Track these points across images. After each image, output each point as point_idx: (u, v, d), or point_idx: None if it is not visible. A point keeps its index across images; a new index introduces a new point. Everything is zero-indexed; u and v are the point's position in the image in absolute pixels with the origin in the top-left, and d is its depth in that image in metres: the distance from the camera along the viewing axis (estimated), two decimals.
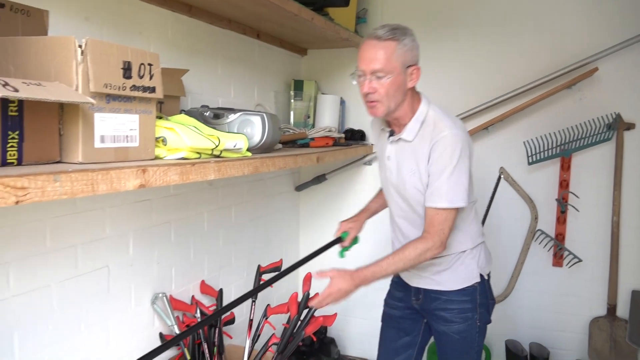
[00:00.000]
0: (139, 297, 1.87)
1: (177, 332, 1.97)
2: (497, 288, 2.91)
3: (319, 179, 3.15)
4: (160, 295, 1.96)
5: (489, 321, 1.87)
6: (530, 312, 2.88)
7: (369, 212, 2.12)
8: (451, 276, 1.81)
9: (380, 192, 2.08)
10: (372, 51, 1.64)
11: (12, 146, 1.07)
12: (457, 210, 1.69)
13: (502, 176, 2.77)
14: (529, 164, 2.71)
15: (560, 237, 2.77)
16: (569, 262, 2.76)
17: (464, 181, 1.66)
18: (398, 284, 1.98)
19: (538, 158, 2.72)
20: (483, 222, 2.77)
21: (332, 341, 3.11)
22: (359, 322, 3.21)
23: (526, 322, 2.89)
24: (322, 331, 3.11)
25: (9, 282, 1.39)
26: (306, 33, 2.63)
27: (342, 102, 3.07)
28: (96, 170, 1.11)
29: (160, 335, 1.99)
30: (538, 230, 2.81)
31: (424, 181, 1.70)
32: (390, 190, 1.86)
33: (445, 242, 1.68)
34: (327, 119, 2.95)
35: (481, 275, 1.84)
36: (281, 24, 2.41)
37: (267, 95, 2.75)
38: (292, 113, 2.92)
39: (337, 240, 1.87)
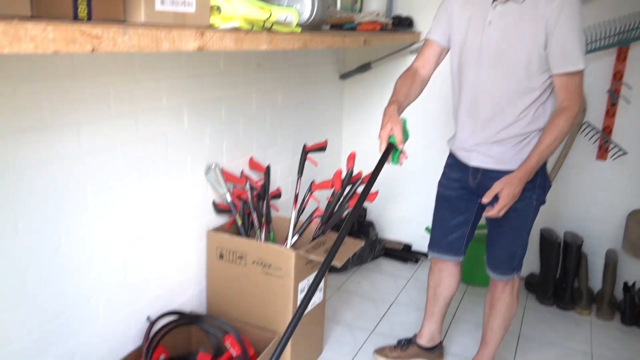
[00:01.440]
0: (193, 166, 2.01)
1: (229, 200, 2.13)
2: None
3: (364, 67, 3.14)
4: (213, 166, 2.10)
5: (544, 202, 1.90)
6: (568, 203, 2.93)
7: (397, 103, 1.77)
8: (517, 155, 1.81)
9: (404, 80, 1.88)
10: None
11: (82, 2, 1.14)
12: None
13: None
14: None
15: (607, 130, 2.74)
16: (614, 154, 2.75)
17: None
18: (454, 166, 2.01)
19: (594, 47, 2.62)
20: None
21: (370, 224, 3.27)
22: (397, 208, 3.34)
23: (563, 212, 2.95)
24: (361, 214, 3.28)
25: (79, 140, 1.52)
26: None
27: None
28: (160, 28, 1.18)
29: (213, 203, 2.16)
30: (585, 122, 2.78)
31: (539, 44, 1.66)
32: (484, 67, 1.77)
33: (581, 108, 1.70)
34: (374, 4, 2.89)
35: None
36: None
37: None
38: None
39: (390, 148, 1.69)
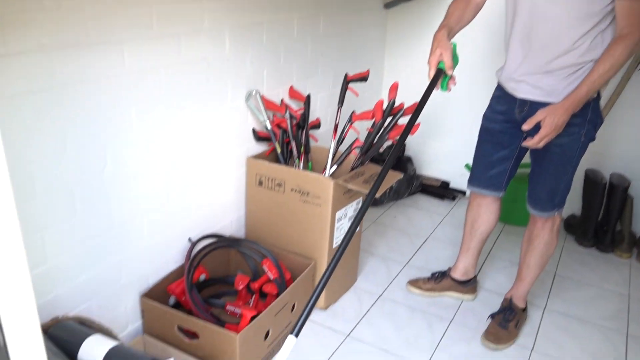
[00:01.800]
0: (234, 92, 2.00)
1: (269, 127, 2.12)
2: None
3: None
4: (254, 92, 2.08)
5: (593, 138, 1.82)
6: (617, 143, 2.81)
7: (447, 27, 1.74)
8: (568, 87, 1.71)
9: (457, 3, 1.82)
10: None
11: None
12: None
13: None
14: None
15: None
16: None
17: None
18: (501, 98, 1.93)
19: None
20: None
21: (409, 159, 3.24)
22: (436, 144, 3.28)
23: (611, 153, 2.84)
24: (400, 150, 3.23)
25: (124, 59, 1.52)
26: None
27: None
28: None
29: (253, 130, 2.15)
30: None
31: None
32: None
33: None
34: None
35: (598, 92, 1.76)
36: None
37: None
38: None
39: (439, 75, 1.64)
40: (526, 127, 1.73)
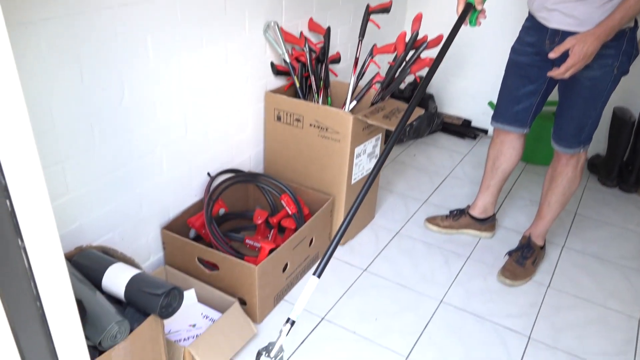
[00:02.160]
0: (252, 23, 1.94)
1: (288, 60, 2.07)
2: None
3: None
4: (272, 23, 2.01)
5: (627, 72, 1.74)
6: None
7: None
8: (603, 17, 1.61)
9: None
10: None
11: None
12: None
13: None
14: None
15: None
16: None
17: None
18: (531, 29, 1.84)
19: None
20: None
21: (430, 97, 3.16)
22: (459, 81, 3.19)
23: None
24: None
25: None
26: None
27: None
28: None
29: (272, 64, 2.10)
30: None
31: None
32: None
33: None
34: None
35: (636, 21, 1.67)
36: None
37: None
38: None
39: (468, 9, 1.61)
40: (553, 55, 1.65)
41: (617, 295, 1.99)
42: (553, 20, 1.73)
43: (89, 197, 1.52)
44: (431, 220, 2.32)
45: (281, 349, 1.14)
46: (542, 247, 2.14)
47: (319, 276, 1.20)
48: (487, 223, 2.28)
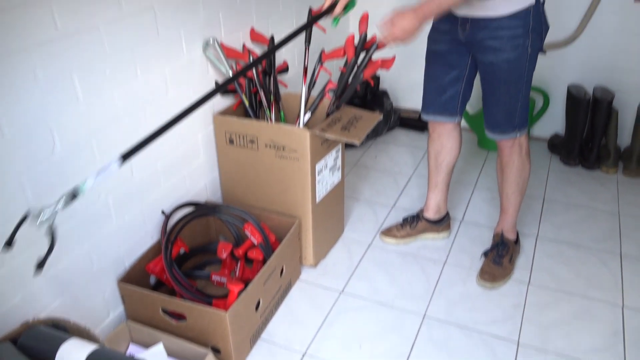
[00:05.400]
0: (190, 43, 1.79)
1: None
2: (565, 29, 2.69)
3: None
4: (211, 41, 1.86)
5: (541, 48, 1.74)
6: (600, 54, 2.69)
7: None
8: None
9: None
10: None
11: None
12: None
13: None
14: None
15: None
16: None
17: None
18: (443, 17, 1.80)
19: None
20: None
21: (384, 93, 3.08)
22: (411, 73, 3.11)
23: (594, 65, 2.72)
24: (374, 82, 3.06)
25: (55, 21, 1.30)
26: None
27: None
28: None
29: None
30: None
31: None
32: None
33: None
34: None
35: None
36: None
37: None
38: None
39: (330, 9, 1.70)
40: (378, 27, 1.63)
41: (597, 283, 1.96)
42: (459, 10, 1.72)
43: (31, 262, 1.35)
44: (387, 232, 2.22)
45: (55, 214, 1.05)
46: (516, 242, 2.09)
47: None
48: (443, 223, 2.22)
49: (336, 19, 1.74)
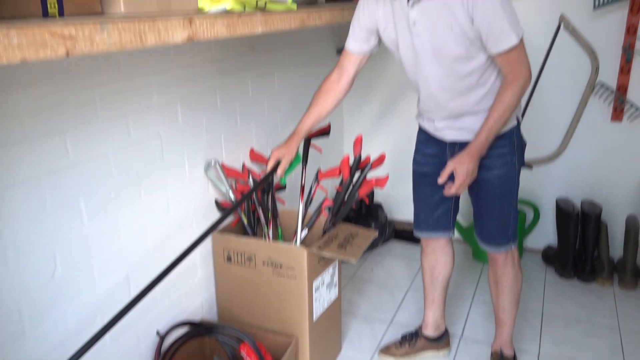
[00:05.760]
0: (192, 165, 1.87)
1: (232, 197, 1.99)
2: (549, 146, 2.83)
3: None
4: (213, 162, 1.95)
5: (524, 163, 1.88)
6: (583, 169, 2.81)
7: (299, 135, 1.91)
8: None
9: (316, 99, 1.93)
10: None
11: None
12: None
13: (562, 25, 2.55)
14: (595, 7, 2.48)
15: (622, 90, 2.61)
16: (630, 115, 2.62)
17: (512, 6, 1.59)
18: (428, 141, 1.92)
19: (605, 1, 2.47)
20: (539, 76, 2.62)
21: (379, 206, 3.15)
22: (404, 187, 3.20)
23: (579, 180, 2.83)
24: (369, 197, 3.14)
25: (67, 150, 1.37)
26: None
27: None
28: (143, 20, 1.02)
29: (216, 201, 2.02)
30: (598, 83, 2.63)
31: (466, 31, 1.58)
32: (423, 64, 1.71)
33: (531, 71, 1.66)
34: None
35: (517, 118, 1.82)
36: None
37: None
38: None
39: (275, 169, 1.90)
40: (441, 180, 1.75)
41: None
42: (447, 136, 1.84)
43: None
44: (385, 351, 2.17)
45: None
46: (514, 357, 2.05)
47: None
48: (442, 341, 2.18)
49: (284, 178, 1.95)
